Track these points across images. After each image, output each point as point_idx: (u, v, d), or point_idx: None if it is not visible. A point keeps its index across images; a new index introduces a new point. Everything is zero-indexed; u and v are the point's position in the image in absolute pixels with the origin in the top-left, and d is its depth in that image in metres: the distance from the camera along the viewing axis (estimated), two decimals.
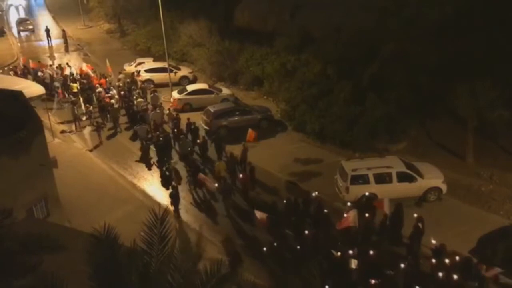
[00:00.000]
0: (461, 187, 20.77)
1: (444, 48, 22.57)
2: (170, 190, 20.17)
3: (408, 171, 19.75)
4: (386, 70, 23.67)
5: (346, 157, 22.36)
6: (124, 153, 25.87)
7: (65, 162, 22.89)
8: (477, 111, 20.90)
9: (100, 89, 31.83)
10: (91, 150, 26.44)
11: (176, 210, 19.90)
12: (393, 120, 23.71)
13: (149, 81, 34.61)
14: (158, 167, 23.67)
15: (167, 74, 33.16)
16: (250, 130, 24.95)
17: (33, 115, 18.62)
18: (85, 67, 36.68)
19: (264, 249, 16.91)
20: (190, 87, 31.88)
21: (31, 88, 27.02)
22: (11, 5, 70.72)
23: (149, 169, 24.05)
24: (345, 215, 17.40)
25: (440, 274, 14.52)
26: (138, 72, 35.04)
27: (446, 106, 22.06)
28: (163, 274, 7.41)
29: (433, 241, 16.15)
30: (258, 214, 17.65)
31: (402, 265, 14.89)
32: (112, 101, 30.01)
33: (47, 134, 23.02)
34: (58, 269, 7.57)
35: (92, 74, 35.36)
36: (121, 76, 35.05)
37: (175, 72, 34.97)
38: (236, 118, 27.17)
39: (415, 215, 17.18)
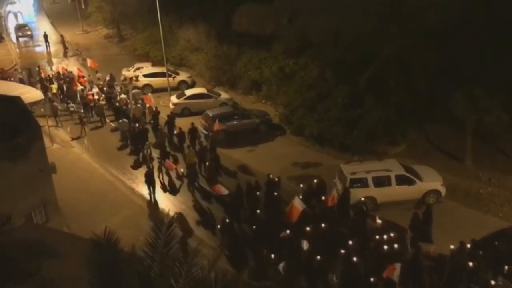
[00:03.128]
0: (460, 190, 20.78)
1: (443, 52, 22.63)
2: (146, 170, 21.88)
3: (407, 174, 19.77)
4: (385, 73, 23.71)
5: (345, 161, 22.33)
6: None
7: (63, 167, 22.87)
8: (476, 115, 20.94)
9: (81, 87, 33.21)
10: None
11: (150, 190, 21.43)
12: (392, 123, 23.76)
13: (147, 86, 34.67)
14: (133, 153, 25.85)
15: (165, 78, 33.18)
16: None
17: (31, 120, 18.63)
18: (61, 69, 37.66)
19: (218, 226, 18.42)
20: (189, 92, 31.89)
21: (30, 94, 27.03)
22: (9, 11, 70.77)
23: (130, 154, 25.96)
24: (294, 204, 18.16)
25: (385, 247, 15.98)
26: (137, 77, 35.08)
27: (445, 109, 22.11)
28: (166, 279, 7.36)
29: (379, 221, 17.58)
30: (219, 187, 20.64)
31: (350, 242, 16.27)
32: (96, 97, 31.31)
33: (46, 139, 23.00)
34: (57, 275, 7.55)
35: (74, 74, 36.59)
36: (99, 75, 36.09)
37: (174, 77, 34.98)
38: (235, 122, 27.16)
39: (362, 199, 18.55)
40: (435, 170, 20.80)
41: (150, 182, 21.34)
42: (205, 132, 26.94)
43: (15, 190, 16.02)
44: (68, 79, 35.24)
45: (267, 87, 31.37)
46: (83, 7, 56.75)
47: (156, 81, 34.78)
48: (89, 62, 37.75)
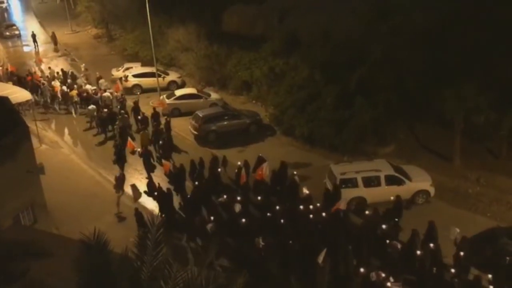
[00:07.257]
0: (449, 189, 20.96)
1: (430, 52, 22.77)
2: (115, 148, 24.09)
3: (396, 174, 19.91)
4: (374, 74, 23.81)
5: (334, 161, 22.46)
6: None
7: (52, 168, 22.65)
8: (464, 114, 21.13)
9: (43, 81, 34.44)
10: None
11: (119, 165, 23.53)
12: (381, 123, 23.88)
13: (137, 86, 34.50)
14: (102, 132, 28.25)
15: (155, 79, 33.02)
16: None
17: (19, 121, 18.45)
18: (10, 67, 38.54)
19: (155, 193, 20.70)
20: (179, 92, 31.75)
21: (18, 94, 26.77)
22: None
23: (95, 134, 28.65)
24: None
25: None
26: (126, 77, 34.89)
27: (434, 109, 22.29)
28: (156, 281, 7.32)
29: (306, 191, 19.36)
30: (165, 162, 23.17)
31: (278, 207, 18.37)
32: (64, 87, 32.84)
33: (34, 140, 22.79)
34: (46, 277, 7.50)
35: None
36: (49, 72, 37.05)
37: (163, 77, 34.80)
38: (225, 123, 27.13)
39: (295, 172, 20.56)
40: (424, 170, 20.96)
41: (120, 158, 23.62)
42: (195, 132, 26.93)
43: (3, 191, 15.87)
44: (23, 76, 36.30)
45: (257, 87, 31.37)
46: (72, 6, 56.23)
47: (145, 81, 34.55)
48: (39, 57, 41.68)
